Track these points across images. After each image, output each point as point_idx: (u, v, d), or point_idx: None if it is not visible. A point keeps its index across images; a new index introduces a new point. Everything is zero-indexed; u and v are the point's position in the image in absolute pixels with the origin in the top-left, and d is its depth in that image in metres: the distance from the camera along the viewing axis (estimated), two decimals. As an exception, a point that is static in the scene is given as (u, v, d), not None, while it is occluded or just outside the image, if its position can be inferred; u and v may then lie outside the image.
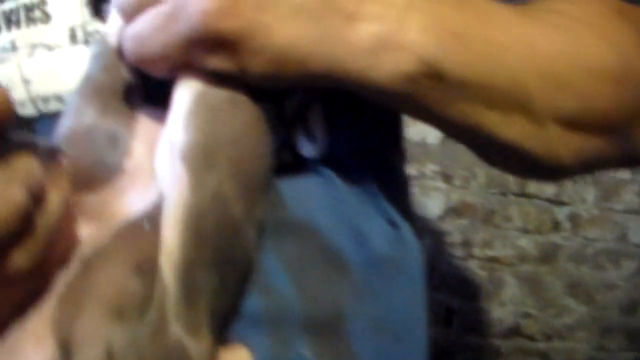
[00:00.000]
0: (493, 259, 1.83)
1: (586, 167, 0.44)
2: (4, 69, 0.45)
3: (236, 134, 0.34)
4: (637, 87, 0.41)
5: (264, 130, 0.37)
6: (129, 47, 0.36)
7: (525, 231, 1.81)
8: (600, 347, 1.89)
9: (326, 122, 0.45)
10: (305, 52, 0.34)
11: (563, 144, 0.40)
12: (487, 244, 1.82)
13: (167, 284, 0.32)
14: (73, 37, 0.44)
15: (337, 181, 0.45)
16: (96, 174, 0.36)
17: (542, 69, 0.38)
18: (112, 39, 0.38)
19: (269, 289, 0.41)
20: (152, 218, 0.34)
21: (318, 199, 0.44)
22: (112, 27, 0.38)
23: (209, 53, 0.34)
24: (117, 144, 0.37)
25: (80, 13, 0.44)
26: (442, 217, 1.79)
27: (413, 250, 0.52)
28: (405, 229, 0.51)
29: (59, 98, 0.44)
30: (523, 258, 1.83)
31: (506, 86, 0.37)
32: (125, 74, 0.38)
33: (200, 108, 0.34)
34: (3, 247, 0.28)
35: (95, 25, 0.44)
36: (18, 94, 0.44)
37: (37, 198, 0.30)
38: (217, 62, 0.35)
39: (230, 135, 0.34)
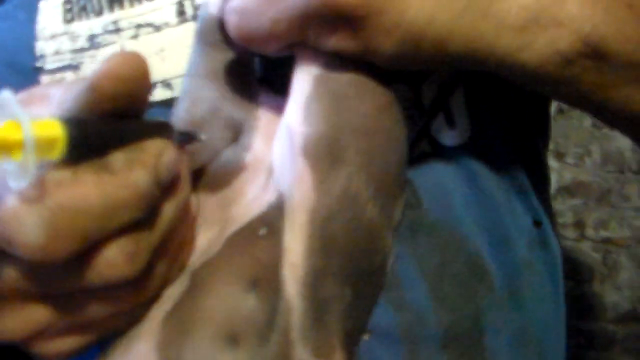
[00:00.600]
0: (608, 240, 1.73)
1: None
2: (105, 53, 0.41)
3: (366, 123, 0.30)
4: None
5: (398, 116, 0.32)
6: (232, 21, 0.31)
7: (645, 211, 1.68)
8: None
9: (468, 107, 0.40)
10: (445, 29, 0.29)
11: None
12: (601, 225, 1.72)
13: (291, 300, 0.28)
14: (181, 13, 0.40)
15: (481, 173, 0.41)
16: (216, 172, 0.32)
17: None
18: (214, 10, 0.33)
19: (404, 300, 0.37)
20: (270, 222, 0.30)
21: (459, 194, 0.40)
22: None
23: (329, 31, 0.30)
24: (238, 134, 0.33)
25: None
26: (554, 197, 1.69)
27: (554, 253, 0.47)
28: (548, 228, 0.46)
29: (168, 84, 0.40)
30: (640, 239, 1.70)
31: None
32: (236, 53, 0.34)
33: (322, 95, 0.30)
34: (116, 235, 0.25)
35: None
36: None
37: (165, 188, 0.27)
38: (339, 41, 0.30)
39: (358, 124, 0.30)
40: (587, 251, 1.75)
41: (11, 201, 0.23)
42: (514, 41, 0.30)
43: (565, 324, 0.48)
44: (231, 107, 0.33)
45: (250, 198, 0.32)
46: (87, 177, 0.24)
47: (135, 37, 0.41)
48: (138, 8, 0.41)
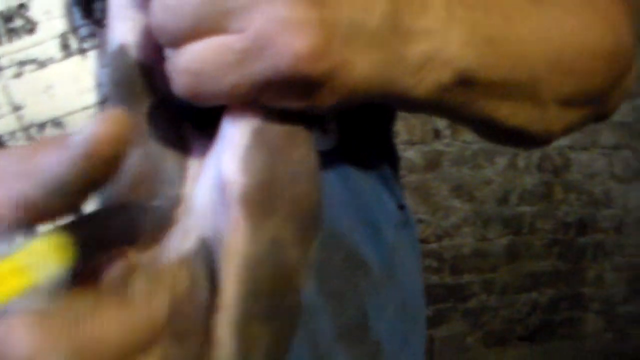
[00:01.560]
0: None
1: (569, 132, 0.48)
2: None
3: (295, 172, 0.31)
4: (623, 61, 0.46)
5: (317, 160, 0.33)
6: (183, 82, 0.30)
7: (411, 143, 1.92)
8: (483, 238, 2.11)
9: (337, 113, 0.42)
10: (374, 80, 0.33)
11: (558, 121, 0.43)
12: None
13: (222, 341, 0.29)
14: (65, 47, 0.38)
15: (352, 172, 0.44)
16: (148, 232, 0.31)
17: (552, 58, 0.40)
18: (135, 54, 0.31)
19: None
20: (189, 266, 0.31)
21: (335, 195, 0.42)
22: (121, 32, 0.31)
23: (286, 94, 0.30)
24: (171, 185, 0.32)
25: (69, 15, 0.37)
26: None
27: (413, 227, 0.54)
28: (408, 208, 0.54)
29: (58, 123, 0.37)
30: (411, 169, 1.93)
31: (522, 79, 0.38)
32: (160, 100, 0.32)
33: (260, 146, 0.30)
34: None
35: (89, 28, 0.37)
36: (6, 123, 0.37)
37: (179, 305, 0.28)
38: (292, 102, 0.31)
39: (290, 174, 0.31)
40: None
41: (29, 336, 0.23)
42: (412, 80, 0.33)
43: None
44: (162, 163, 0.33)
45: (172, 248, 0.32)
46: (108, 313, 0.24)
47: (18, 75, 0.38)
48: (17, 43, 0.38)
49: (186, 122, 0.33)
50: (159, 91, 0.31)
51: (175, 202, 0.32)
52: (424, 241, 1.99)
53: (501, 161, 2.06)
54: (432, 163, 1.96)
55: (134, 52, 0.31)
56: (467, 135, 1.98)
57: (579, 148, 2.23)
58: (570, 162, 2.23)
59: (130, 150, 0.26)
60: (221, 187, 0.30)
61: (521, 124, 0.40)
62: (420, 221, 1.97)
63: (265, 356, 0.31)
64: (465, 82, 0.35)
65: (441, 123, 1.96)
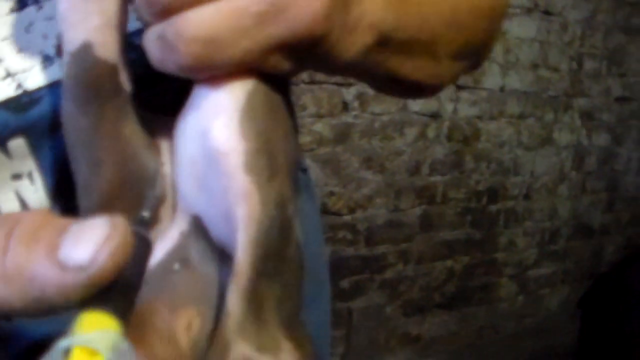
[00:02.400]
0: None
1: (451, 83, 0.52)
2: None
3: (285, 129, 0.32)
4: (500, 16, 0.50)
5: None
6: (189, 51, 0.28)
7: (319, 116, 1.92)
8: (396, 209, 2.13)
9: None
10: (337, 41, 0.33)
11: (448, 73, 0.46)
12: None
13: (231, 307, 0.29)
14: None
15: None
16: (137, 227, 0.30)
17: (447, 17, 0.42)
18: (106, 55, 0.29)
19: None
20: (183, 255, 0.31)
21: None
22: (83, 30, 0.29)
23: (289, 57, 0.30)
24: (154, 181, 0.32)
25: None
26: None
27: (313, 189, 0.57)
28: (309, 172, 0.56)
29: None
30: (320, 141, 1.93)
31: (425, 38, 0.41)
32: (126, 96, 0.31)
33: (254, 110, 0.30)
34: None
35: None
36: None
37: None
38: (289, 65, 0.31)
39: (282, 132, 0.31)
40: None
41: None
42: (346, 42, 0.33)
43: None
44: (140, 160, 0.32)
45: (161, 237, 0.32)
46: None
47: None
48: None
49: (144, 110, 0.32)
50: (123, 89, 0.30)
51: (160, 198, 0.32)
52: (336, 213, 2.00)
53: (411, 132, 2.08)
54: (342, 135, 1.97)
55: (98, 51, 0.29)
56: (376, 107, 2.00)
57: (487, 118, 2.29)
58: (479, 132, 2.29)
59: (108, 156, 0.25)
60: (215, 158, 0.29)
61: (420, 77, 0.43)
62: (332, 194, 1.98)
63: (278, 311, 0.30)
64: (382, 43, 0.36)
65: (349, 95, 1.97)
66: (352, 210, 2.02)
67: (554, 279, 2.72)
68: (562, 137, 2.54)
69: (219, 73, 0.29)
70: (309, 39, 0.30)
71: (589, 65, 2.53)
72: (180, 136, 0.31)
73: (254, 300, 0.29)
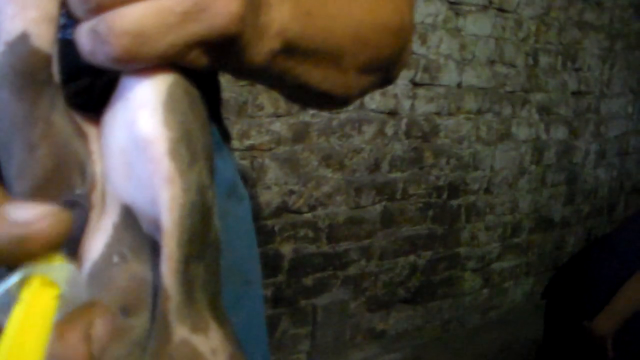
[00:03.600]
0: (252, 147, 1.90)
1: (362, 95, 0.54)
2: None
3: (203, 120, 0.34)
4: (405, 37, 0.52)
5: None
6: (120, 43, 0.30)
7: (277, 116, 1.94)
8: (357, 206, 2.15)
9: None
10: (248, 43, 0.36)
11: (355, 85, 0.48)
12: (244, 135, 1.88)
13: (169, 290, 0.31)
14: None
15: None
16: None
17: (353, 31, 0.45)
18: (40, 44, 0.31)
19: None
20: (119, 248, 0.33)
21: None
22: (21, 20, 0.30)
23: (207, 53, 0.33)
24: (84, 167, 0.33)
25: None
26: None
27: (242, 190, 0.59)
28: (240, 179, 0.58)
29: None
30: (279, 141, 1.95)
31: (332, 49, 0.43)
32: (55, 74, 0.32)
33: (176, 101, 0.32)
34: None
35: None
36: None
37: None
38: (206, 61, 0.34)
39: (200, 121, 0.33)
40: (236, 160, 1.89)
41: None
42: (256, 47, 0.36)
43: (256, 239, 0.61)
44: (71, 147, 0.33)
45: (94, 231, 0.33)
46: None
47: None
48: None
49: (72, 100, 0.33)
50: (54, 79, 0.31)
51: (91, 184, 0.33)
52: (297, 212, 2.01)
53: (369, 130, 2.11)
54: (300, 134, 1.98)
55: (35, 41, 0.30)
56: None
57: (445, 114, 2.32)
58: (437, 128, 2.32)
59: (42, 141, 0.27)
60: (140, 147, 0.31)
61: (328, 88, 0.46)
62: (292, 192, 2.00)
63: (203, 292, 0.33)
64: (289, 50, 0.39)
65: (307, 95, 1.98)
66: (312, 208, 2.04)
67: (517, 272, 2.77)
68: (521, 131, 2.59)
69: (145, 66, 0.32)
70: (225, 36, 0.32)
71: (544, 60, 2.58)
72: (109, 126, 0.33)
73: (186, 282, 0.31)
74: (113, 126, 0.33)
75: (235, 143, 1.89)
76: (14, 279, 0.23)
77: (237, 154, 1.90)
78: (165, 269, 0.31)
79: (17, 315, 0.23)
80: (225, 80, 1.82)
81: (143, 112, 0.32)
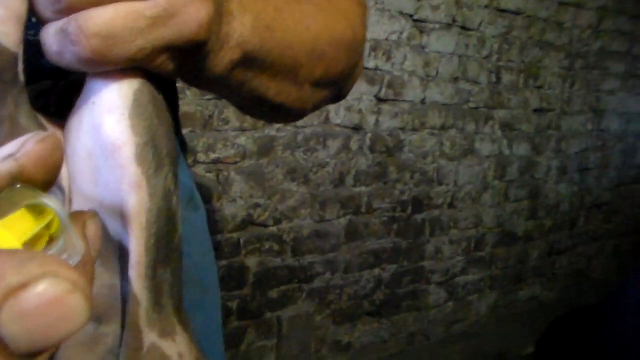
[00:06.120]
0: (217, 161, 1.92)
1: (316, 110, 0.55)
2: None
3: (168, 126, 0.34)
4: (358, 52, 0.54)
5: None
6: (90, 44, 0.30)
7: (242, 130, 1.96)
8: (321, 219, 2.17)
9: None
10: (211, 52, 0.37)
11: (310, 99, 0.49)
12: (210, 148, 1.90)
13: (138, 295, 0.31)
14: None
15: None
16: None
17: (309, 46, 0.46)
18: (7, 44, 0.30)
19: None
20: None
21: None
22: None
23: (174, 59, 0.34)
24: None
25: None
26: None
27: (198, 200, 0.60)
28: (195, 189, 0.60)
29: None
30: (244, 155, 1.97)
31: (288, 63, 0.44)
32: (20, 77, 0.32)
33: (142, 107, 0.32)
34: None
35: None
36: None
37: None
38: (173, 66, 0.35)
39: (165, 129, 0.33)
40: (202, 173, 1.91)
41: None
42: (217, 56, 0.37)
43: (212, 248, 0.63)
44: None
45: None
46: None
47: None
48: None
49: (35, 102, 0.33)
50: (20, 80, 0.31)
51: (60, 191, 0.33)
52: (262, 225, 2.03)
53: (334, 144, 2.14)
54: (265, 149, 2.00)
55: (2, 40, 0.30)
56: (299, 121, 2.04)
57: (409, 129, 2.36)
58: (402, 143, 2.36)
59: (7, 141, 0.26)
60: (108, 152, 0.31)
61: (284, 101, 0.47)
62: (257, 205, 2.01)
63: (170, 296, 0.33)
64: (248, 62, 0.40)
65: (273, 110, 2.01)
66: (277, 222, 2.06)
67: (482, 285, 2.81)
68: (484, 147, 2.64)
69: (113, 68, 0.32)
70: (193, 42, 0.33)
71: (507, 78, 2.64)
72: (74, 130, 0.33)
73: (155, 287, 0.32)
74: (79, 130, 0.32)
75: (201, 156, 1.91)
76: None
77: (202, 167, 1.91)
78: (134, 274, 0.31)
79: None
80: (192, 94, 1.84)
81: (110, 117, 0.31)
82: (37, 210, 0.22)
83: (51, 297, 0.18)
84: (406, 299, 2.53)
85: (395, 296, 2.48)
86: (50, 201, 0.22)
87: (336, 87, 0.53)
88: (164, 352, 0.32)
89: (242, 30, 0.38)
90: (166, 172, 0.33)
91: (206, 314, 0.58)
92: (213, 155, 1.93)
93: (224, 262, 1.97)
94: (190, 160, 1.88)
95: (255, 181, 2.00)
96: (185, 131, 1.84)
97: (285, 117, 0.52)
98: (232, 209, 1.97)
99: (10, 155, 0.23)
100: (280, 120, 0.57)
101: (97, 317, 0.31)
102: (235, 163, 1.96)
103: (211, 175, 1.95)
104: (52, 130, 0.34)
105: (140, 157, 0.31)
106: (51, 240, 0.23)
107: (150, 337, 0.31)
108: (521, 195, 2.86)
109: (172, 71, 0.35)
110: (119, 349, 0.31)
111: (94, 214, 0.27)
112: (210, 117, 1.91)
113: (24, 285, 0.18)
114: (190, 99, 1.85)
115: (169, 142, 0.33)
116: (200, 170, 1.91)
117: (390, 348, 2.51)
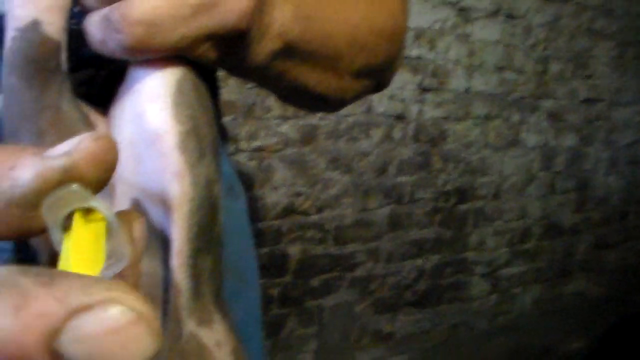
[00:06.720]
0: (259, 149, 1.93)
1: (356, 100, 0.55)
2: None
3: (210, 115, 0.34)
4: (399, 42, 0.53)
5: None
6: (133, 32, 0.31)
7: (285, 118, 1.97)
8: (364, 209, 2.18)
9: None
10: (252, 41, 0.37)
11: (350, 89, 0.48)
12: (252, 136, 1.91)
13: (179, 284, 0.31)
14: None
15: None
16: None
17: (350, 36, 0.46)
18: (51, 32, 0.31)
19: None
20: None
21: None
22: (32, 8, 0.31)
23: (216, 48, 0.34)
24: None
25: None
26: None
27: (238, 189, 0.60)
28: (236, 177, 0.59)
29: None
30: (286, 143, 1.98)
31: (328, 53, 0.44)
32: (63, 65, 0.32)
33: (185, 95, 0.33)
34: None
35: None
36: None
37: None
38: (215, 55, 0.35)
39: (208, 117, 0.34)
40: (244, 161, 1.92)
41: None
42: (257, 46, 0.37)
43: (252, 237, 0.62)
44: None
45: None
46: None
47: None
48: None
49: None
50: (63, 67, 0.32)
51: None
52: (304, 213, 2.04)
53: (377, 133, 2.13)
54: (308, 137, 2.01)
55: (46, 29, 0.30)
56: (341, 109, 2.04)
57: (453, 119, 2.34)
58: (446, 133, 2.34)
59: (51, 127, 0.27)
60: (150, 140, 0.32)
61: (324, 91, 0.46)
62: (299, 194, 2.03)
63: (210, 284, 0.33)
64: (288, 52, 0.40)
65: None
66: (319, 210, 2.07)
67: (526, 278, 2.77)
68: (530, 137, 2.60)
69: (155, 56, 0.32)
70: (235, 31, 0.33)
71: (554, 67, 2.59)
72: (117, 118, 0.33)
73: (195, 276, 0.32)
74: (121, 118, 0.33)
75: (243, 144, 1.93)
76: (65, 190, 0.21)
77: (244, 155, 1.93)
78: (176, 262, 0.31)
79: (69, 244, 0.21)
80: (234, 82, 1.86)
81: (153, 106, 0.32)
82: (87, 212, 0.21)
83: (113, 324, 0.18)
84: (448, 290, 2.51)
85: (437, 287, 2.47)
86: (100, 205, 0.21)
87: (376, 77, 0.53)
88: (202, 341, 0.32)
89: (282, 20, 0.38)
90: (208, 160, 0.33)
91: (245, 304, 0.58)
92: (255, 143, 1.95)
93: (265, 250, 1.98)
94: (232, 148, 1.90)
95: (297, 169, 2.01)
96: (227, 119, 1.87)
97: (324, 106, 0.53)
98: (273, 197, 1.99)
99: (67, 152, 0.22)
100: (320, 109, 0.57)
101: None
102: (278, 151, 1.98)
103: (253, 163, 1.97)
104: (94, 117, 0.35)
105: (182, 145, 0.31)
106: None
107: (189, 326, 0.32)
108: (568, 187, 2.80)
109: (213, 60, 0.35)
110: None
111: (140, 214, 0.27)
112: (253, 105, 1.93)
113: (86, 308, 0.17)
114: (233, 87, 1.87)
115: (211, 131, 0.34)
116: (242, 158, 1.94)
117: (431, 339, 2.50)
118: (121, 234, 0.23)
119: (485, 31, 2.34)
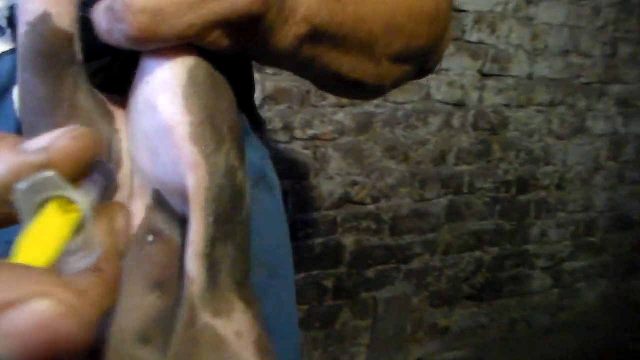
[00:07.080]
0: (315, 137, 1.89)
1: (397, 86, 0.53)
2: None
3: (226, 101, 0.33)
4: (442, 25, 0.50)
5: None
6: (138, 20, 0.29)
7: (340, 106, 1.92)
8: (421, 199, 2.12)
9: None
10: (272, 27, 0.35)
11: (389, 75, 0.47)
12: (307, 124, 1.87)
13: (193, 274, 0.31)
14: None
15: None
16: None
17: (386, 19, 0.43)
18: (63, 24, 0.30)
19: None
20: (154, 228, 0.33)
21: None
22: (42, 1, 0.30)
23: (228, 34, 0.33)
24: (109, 151, 0.33)
25: None
26: (260, 106, 1.75)
27: (272, 180, 0.58)
28: (266, 159, 0.58)
29: None
30: (342, 131, 1.93)
31: (362, 37, 0.42)
32: (81, 65, 0.32)
33: (196, 85, 0.32)
34: None
35: None
36: None
37: None
38: (228, 43, 0.33)
39: (224, 104, 0.33)
40: (299, 150, 1.88)
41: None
42: (281, 31, 0.36)
43: (288, 230, 0.60)
44: (94, 129, 0.32)
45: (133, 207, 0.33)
46: None
47: None
48: None
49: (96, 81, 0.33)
50: (77, 58, 0.31)
51: (117, 163, 0.33)
52: (360, 203, 1.99)
53: (435, 121, 2.06)
54: (364, 125, 1.96)
55: (56, 21, 0.30)
56: (398, 96, 1.98)
57: (515, 106, 2.25)
58: (507, 121, 2.25)
59: (67, 122, 0.27)
60: (162, 132, 0.31)
61: (359, 77, 0.44)
62: (355, 183, 1.98)
63: (232, 271, 0.32)
64: (317, 37, 0.38)
65: (372, 85, 1.96)
66: (376, 200, 2.01)
67: (591, 273, 2.65)
68: (597, 125, 2.47)
69: (163, 46, 0.31)
70: (247, 16, 0.31)
71: (624, 50, 2.46)
72: (132, 110, 0.33)
73: (211, 266, 0.31)
74: (135, 110, 0.33)
75: (298, 133, 1.89)
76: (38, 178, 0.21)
77: (299, 143, 1.90)
78: (190, 253, 0.31)
79: (27, 233, 0.20)
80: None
81: (163, 97, 0.31)
82: (66, 202, 0.21)
83: (40, 319, 0.17)
84: (508, 284, 2.42)
85: (496, 280, 2.38)
86: (75, 195, 0.21)
87: (418, 62, 0.50)
88: (217, 332, 0.31)
89: (308, 2, 0.37)
90: (227, 148, 0.32)
91: (275, 298, 0.56)
92: (310, 132, 1.91)
93: (319, 240, 1.95)
94: (287, 137, 1.87)
95: (353, 158, 1.96)
96: (282, 107, 1.83)
97: (363, 93, 0.50)
98: (329, 186, 1.95)
99: (44, 148, 0.22)
100: (359, 97, 0.54)
101: (157, 284, 0.31)
102: (333, 140, 1.93)
103: (308, 152, 1.93)
104: (111, 107, 0.34)
105: (195, 136, 0.31)
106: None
107: (204, 317, 0.31)
108: (638, 178, 2.67)
109: (227, 47, 0.33)
110: (172, 323, 0.31)
111: (124, 206, 0.27)
112: (308, 93, 1.88)
113: (12, 303, 0.17)
114: (287, 75, 1.83)
115: (230, 118, 0.33)
116: (297, 146, 1.90)
117: (489, 334, 2.42)
118: (97, 226, 0.23)
119: (549, 13, 2.23)
